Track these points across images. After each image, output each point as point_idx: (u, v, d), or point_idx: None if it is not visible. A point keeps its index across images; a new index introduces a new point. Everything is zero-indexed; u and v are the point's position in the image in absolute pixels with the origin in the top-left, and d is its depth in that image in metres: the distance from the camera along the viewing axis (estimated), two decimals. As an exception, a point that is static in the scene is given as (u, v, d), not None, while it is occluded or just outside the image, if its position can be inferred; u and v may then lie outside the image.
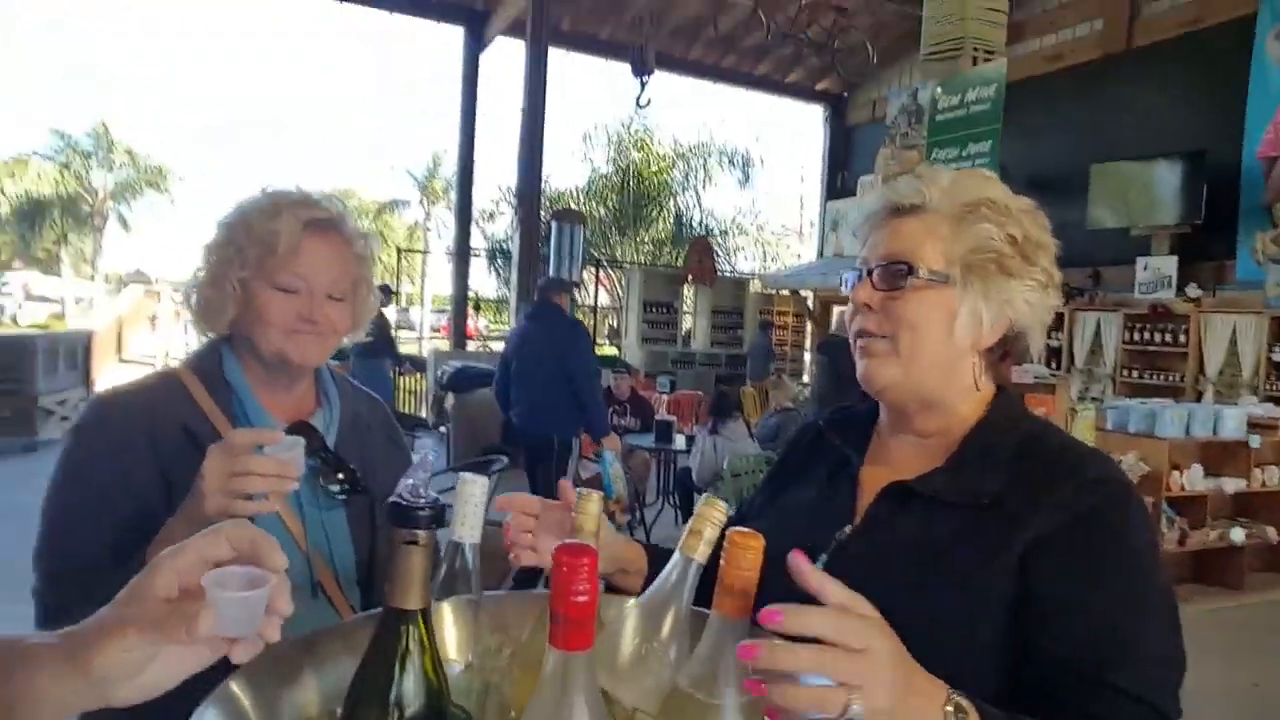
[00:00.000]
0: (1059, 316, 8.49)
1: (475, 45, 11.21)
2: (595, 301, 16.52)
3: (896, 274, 0.90)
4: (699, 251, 13.72)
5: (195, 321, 1.24)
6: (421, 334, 20.09)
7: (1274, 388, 7.38)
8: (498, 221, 20.56)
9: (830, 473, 1.03)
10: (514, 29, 9.79)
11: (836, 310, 11.57)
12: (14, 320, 23.65)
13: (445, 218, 26.91)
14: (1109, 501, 0.84)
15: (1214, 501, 5.16)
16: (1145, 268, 8.37)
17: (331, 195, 1.27)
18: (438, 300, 25.77)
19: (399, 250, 20.39)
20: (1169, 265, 8.22)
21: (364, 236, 1.27)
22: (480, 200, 15.49)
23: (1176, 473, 4.98)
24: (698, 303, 14.21)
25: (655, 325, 13.46)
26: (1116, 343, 8.58)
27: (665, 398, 9.42)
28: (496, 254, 18.45)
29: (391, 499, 0.62)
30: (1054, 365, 8.51)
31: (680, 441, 6.09)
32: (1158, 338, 8.26)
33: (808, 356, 14.04)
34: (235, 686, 0.69)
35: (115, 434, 1.13)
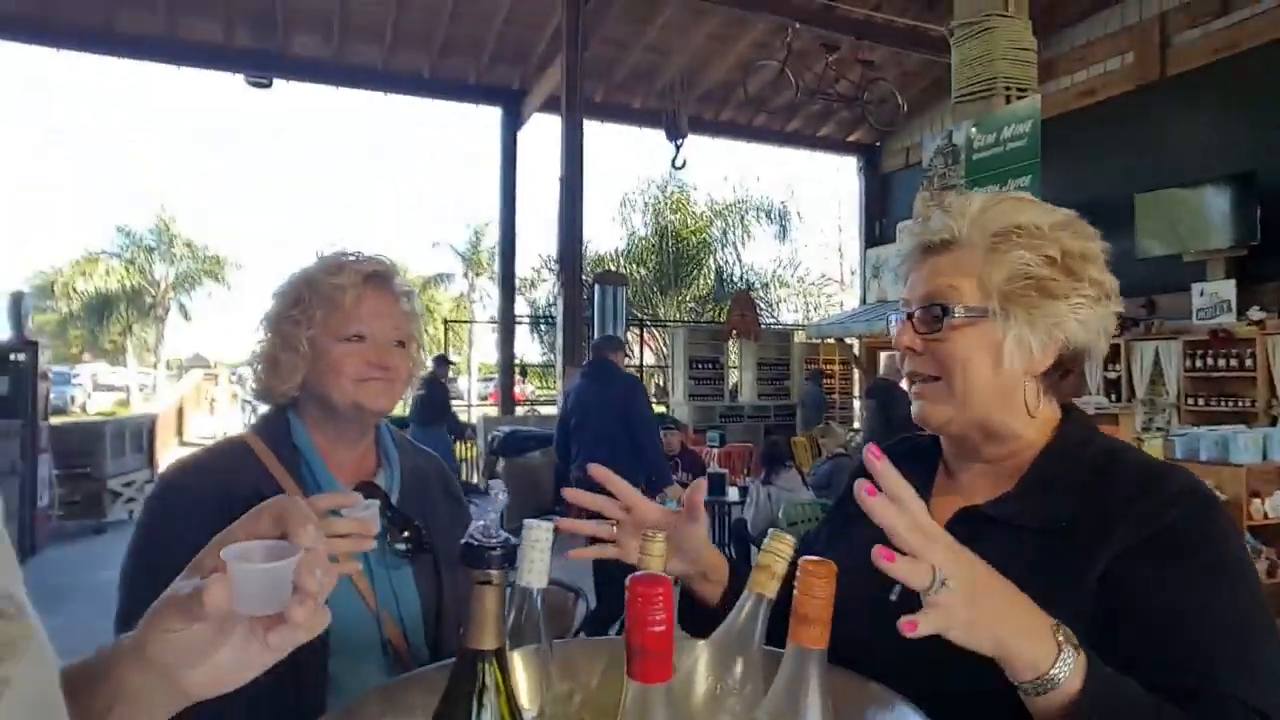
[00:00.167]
0: (1114, 348, 8.28)
1: (513, 123, 11.64)
2: (640, 361, 16.61)
3: (934, 316, 0.90)
4: (741, 306, 13.76)
5: (262, 390, 1.28)
6: (470, 401, 20.36)
7: (1353, 410, 7.06)
8: (539, 289, 20.95)
9: None
10: (549, 105, 10.12)
11: (883, 355, 11.45)
12: (83, 409, 24.59)
13: (488, 288, 27.48)
14: (1192, 514, 0.82)
15: (1301, 529, 4.91)
16: (1202, 293, 8.15)
17: (380, 254, 1.33)
18: (484, 368, 26.15)
19: (445, 322, 20.82)
20: (1226, 289, 8.00)
21: (410, 293, 1.33)
22: (521, 269, 15.81)
23: (1257, 500, 4.75)
24: (743, 356, 14.19)
25: (702, 381, 13.44)
26: (1178, 371, 8.32)
27: (716, 451, 9.35)
28: (540, 321, 18.73)
29: (464, 539, 0.63)
30: (1113, 397, 8.27)
31: (733, 493, 6.04)
32: (1222, 363, 7.99)
33: (857, 403, 13.86)
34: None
35: (189, 500, 1.16)
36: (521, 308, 17.40)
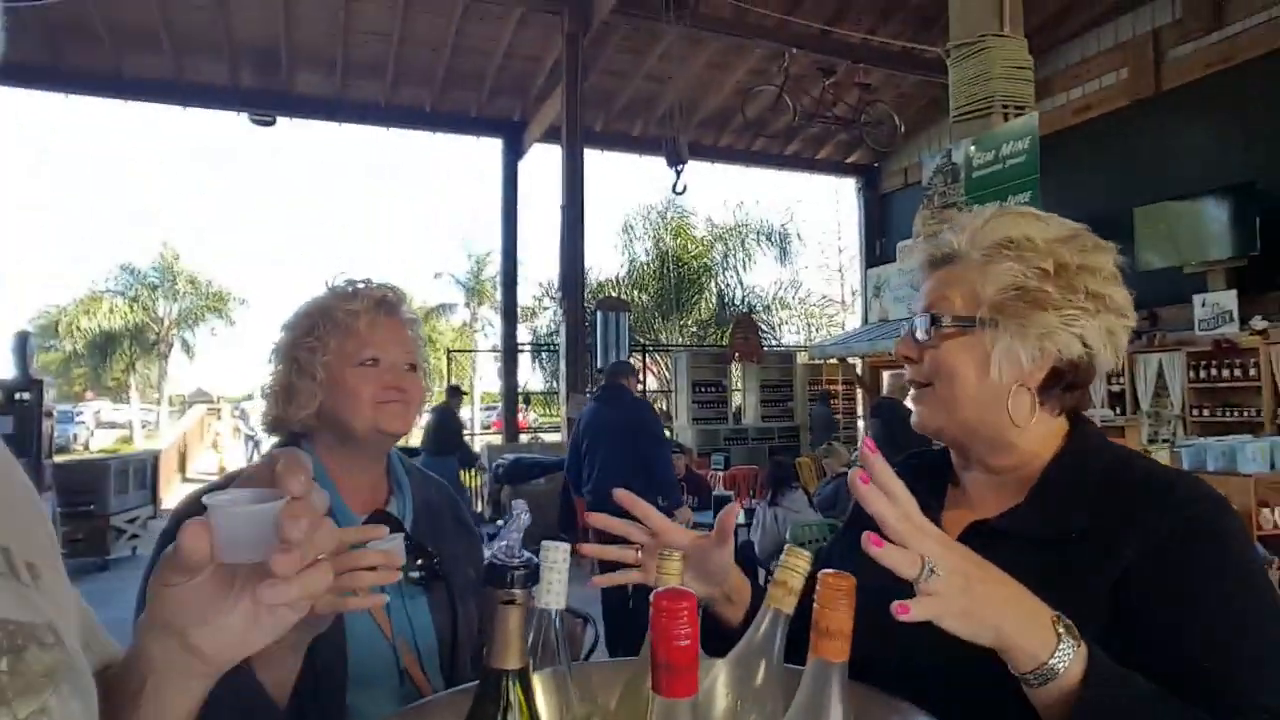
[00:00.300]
0: (1120, 363, 8.25)
1: (514, 154, 11.76)
2: (644, 386, 16.59)
3: (927, 325, 0.93)
4: (743, 329, 13.78)
5: (275, 420, 1.29)
6: (474, 430, 20.34)
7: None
8: (541, 317, 20.98)
9: None
10: (550, 135, 10.22)
11: (887, 374, 11.44)
12: (86, 446, 24.61)
13: (490, 317, 27.54)
14: (1202, 519, 0.82)
15: (1313, 539, 4.87)
16: (1204, 304, 8.16)
17: (386, 282, 1.35)
18: (487, 397, 26.12)
19: (449, 352, 20.85)
20: (1228, 300, 8.01)
21: (416, 320, 1.36)
22: (523, 297, 15.88)
23: (1266, 510, 4.72)
24: (745, 379, 14.18)
25: (705, 405, 13.43)
26: (1182, 382, 8.31)
27: (721, 474, 9.32)
28: (542, 348, 18.77)
29: (487, 560, 0.63)
30: (1118, 410, 8.24)
31: (739, 516, 5.98)
32: (1226, 373, 7.97)
33: (861, 424, 13.82)
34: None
35: None
36: (523, 336, 17.43)
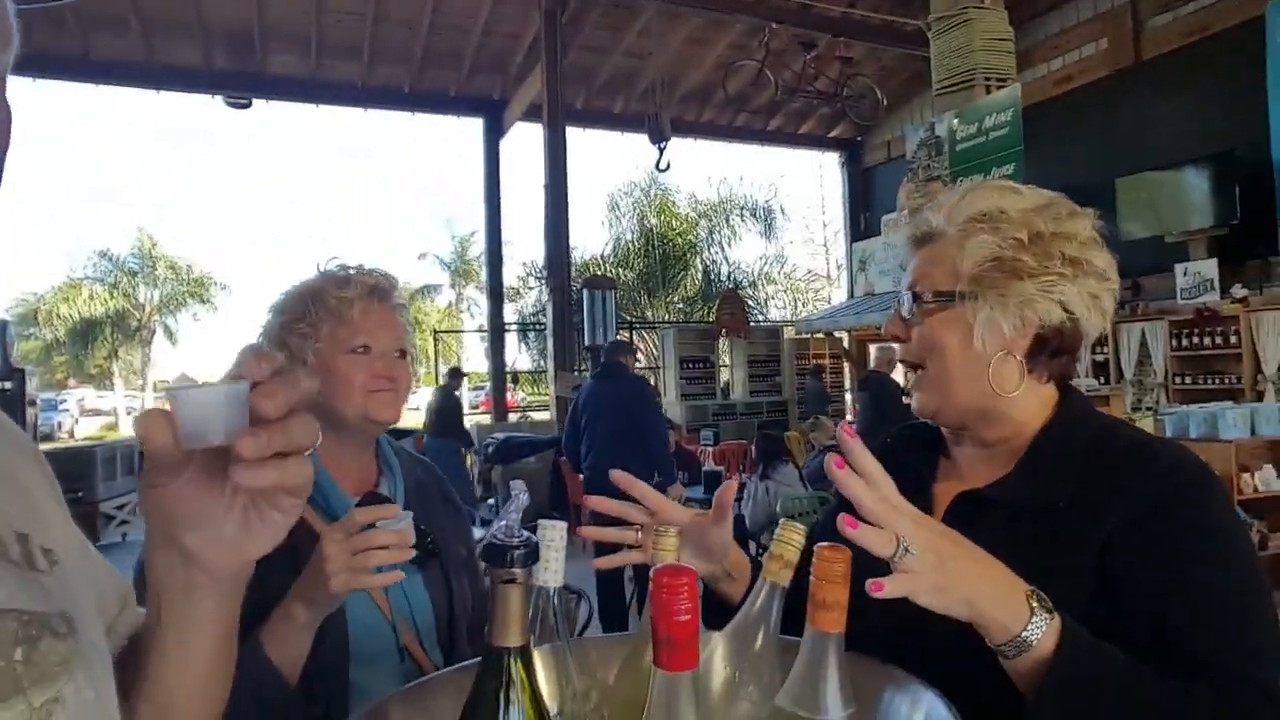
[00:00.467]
0: (1103, 333, 8.34)
1: (495, 133, 11.65)
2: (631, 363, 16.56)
3: (910, 303, 0.95)
4: (730, 305, 13.79)
5: None
6: (463, 410, 20.30)
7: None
8: (526, 297, 20.89)
9: (904, 490, 1.02)
10: (531, 113, 10.13)
11: (874, 347, 11.50)
12: (71, 434, 24.40)
13: (476, 297, 27.44)
14: (1185, 487, 0.84)
15: (1291, 501, 4.96)
16: (1185, 273, 8.23)
17: (378, 268, 1.35)
18: (475, 377, 26.06)
19: (435, 333, 20.76)
20: (1209, 269, 8.08)
21: (405, 305, 1.36)
22: (507, 278, 15.80)
23: (1247, 475, 4.81)
24: (733, 355, 14.21)
25: (693, 381, 13.45)
26: (1165, 351, 8.41)
27: (710, 450, 9.37)
28: (528, 328, 18.73)
29: (486, 540, 0.64)
30: (1102, 379, 8.34)
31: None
32: (1207, 341, 8.07)
33: (849, 396, 13.91)
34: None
35: None
36: (509, 316, 17.37)
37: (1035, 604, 0.72)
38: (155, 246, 30.05)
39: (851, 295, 13.68)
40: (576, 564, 0.99)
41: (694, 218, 20.96)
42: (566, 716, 0.80)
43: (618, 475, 1.00)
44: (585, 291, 9.75)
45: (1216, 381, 8.00)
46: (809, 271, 22.94)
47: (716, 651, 0.78)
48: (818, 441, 6.74)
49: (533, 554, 0.63)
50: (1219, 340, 7.99)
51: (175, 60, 9.73)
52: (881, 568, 0.70)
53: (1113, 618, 0.79)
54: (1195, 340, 8.17)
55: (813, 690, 0.65)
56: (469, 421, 11.55)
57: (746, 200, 20.91)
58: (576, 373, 9.28)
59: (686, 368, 13.40)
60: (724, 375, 14.73)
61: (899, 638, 0.76)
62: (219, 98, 10.21)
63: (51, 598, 0.55)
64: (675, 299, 20.43)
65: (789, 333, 14.91)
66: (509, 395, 13.95)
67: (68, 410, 26.23)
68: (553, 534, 0.80)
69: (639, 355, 18.19)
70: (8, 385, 7.50)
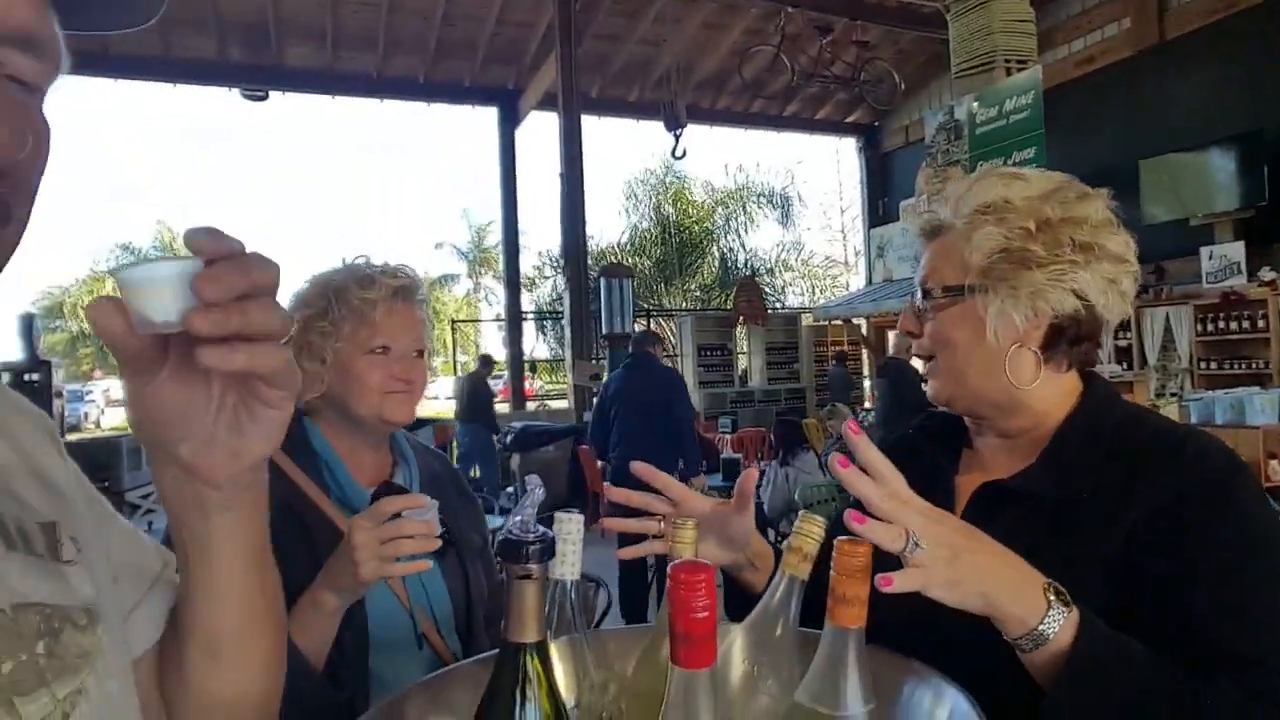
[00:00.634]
0: (1126, 317, 8.24)
1: (510, 122, 11.65)
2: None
3: (922, 299, 0.95)
4: (747, 292, 13.73)
5: None
6: (482, 401, 20.38)
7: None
8: (542, 286, 20.90)
9: (924, 483, 1.01)
10: (546, 102, 10.10)
11: (892, 334, 11.43)
12: (97, 425, 24.76)
13: (493, 286, 27.49)
14: (1213, 477, 0.82)
15: (1322, 490, 4.88)
16: (1211, 256, 8.09)
17: (402, 265, 1.35)
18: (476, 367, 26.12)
19: (452, 322, 20.83)
20: (1236, 251, 7.93)
21: (426, 301, 1.36)
22: (525, 266, 15.83)
23: (1275, 462, 4.74)
24: (751, 342, 14.17)
25: (711, 369, 13.43)
26: (1189, 336, 8.28)
27: (728, 437, 9.36)
28: (545, 317, 18.77)
29: (502, 535, 0.63)
30: (1125, 365, 8.24)
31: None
32: (1234, 326, 7.94)
33: (867, 384, 13.84)
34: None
35: None
36: (526, 305, 17.43)
37: (1052, 597, 0.72)
38: (175, 240, 30.37)
39: (870, 281, 13.59)
40: (595, 551, 0.99)
41: (711, 205, 20.89)
42: (584, 709, 0.80)
43: (638, 467, 0.99)
44: (602, 280, 9.74)
45: (1243, 367, 7.88)
46: (826, 258, 22.82)
47: (735, 644, 0.78)
48: (835, 429, 6.72)
49: (549, 549, 0.62)
50: (1245, 324, 7.86)
51: (192, 54, 9.78)
52: (896, 562, 0.70)
53: (1138, 608, 0.78)
54: (1221, 325, 8.04)
55: (832, 686, 0.65)
56: (487, 410, 11.62)
57: (763, 187, 20.81)
58: (594, 361, 9.28)
59: (704, 355, 13.39)
60: (741, 363, 14.71)
61: (910, 632, 0.76)
62: (235, 90, 10.26)
63: (74, 590, 0.55)
64: (692, 287, 20.39)
65: (807, 320, 14.85)
66: (527, 384, 14.02)
67: (94, 401, 26.60)
68: (569, 527, 0.80)
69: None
70: (35, 377, 7.62)
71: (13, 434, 0.60)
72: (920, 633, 0.76)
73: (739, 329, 14.06)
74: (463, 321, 24.22)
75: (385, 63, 10.53)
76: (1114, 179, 0.98)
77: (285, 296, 1.30)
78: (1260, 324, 7.73)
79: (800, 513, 0.78)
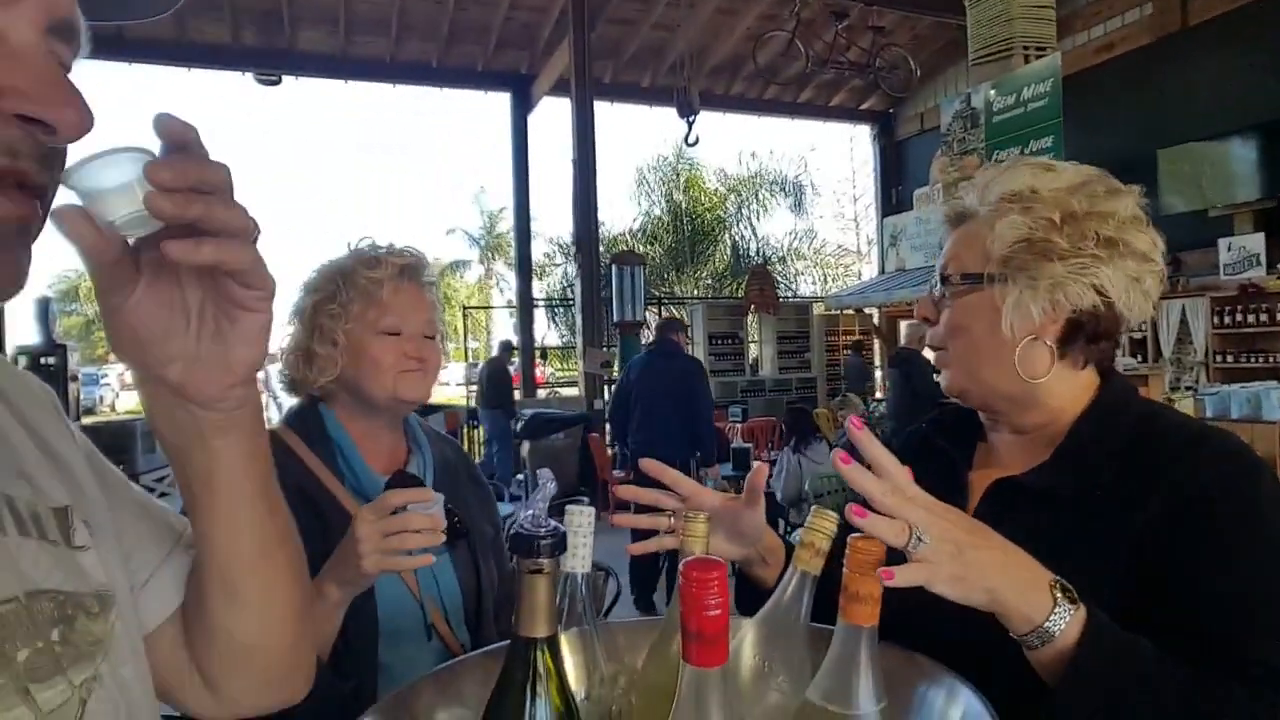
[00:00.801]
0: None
1: (523, 108, 11.60)
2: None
3: (940, 285, 0.94)
4: (758, 280, 13.67)
5: (293, 382, 1.30)
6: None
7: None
8: (551, 274, 20.89)
9: (937, 478, 1.00)
10: (559, 88, 10.06)
11: (904, 324, 11.37)
12: (112, 408, 24.98)
13: (504, 273, 27.50)
14: (1231, 477, 0.81)
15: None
16: (1229, 248, 8.00)
17: (409, 246, 1.34)
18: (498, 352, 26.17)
19: (464, 308, 20.87)
20: (1255, 243, 7.84)
21: (435, 283, 1.35)
22: (536, 253, 15.80)
23: (1292, 458, 4.70)
24: (762, 331, 14.13)
25: (722, 357, 13.40)
26: (1205, 328, 8.21)
27: (739, 426, 9.35)
28: (556, 304, 18.77)
29: (514, 530, 0.63)
30: (1140, 358, 8.17)
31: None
32: (1251, 319, 7.86)
33: (879, 374, 13.79)
34: (371, 722, 0.71)
35: None
36: (537, 292, 17.44)
37: (1059, 594, 0.71)
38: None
39: (882, 271, 13.51)
40: (604, 540, 0.99)
41: (723, 192, 20.80)
42: (594, 701, 0.80)
43: (647, 464, 0.99)
44: (614, 267, 9.73)
45: (1260, 360, 7.80)
46: (839, 247, 22.68)
47: (746, 639, 0.77)
48: (846, 420, 6.71)
49: (560, 544, 0.62)
50: (1264, 317, 7.78)
51: (206, 38, 9.79)
52: (904, 558, 0.69)
53: (1151, 607, 0.77)
54: (1238, 317, 7.97)
55: (844, 685, 0.64)
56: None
57: (776, 174, 20.69)
58: (605, 349, 9.28)
59: (715, 344, 13.36)
60: (752, 351, 14.67)
61: (915, 628, 0.75)
62: (249, 75, 10.26)
63: (87, 577, 0.56)
64: (704, 274, 20.33)
65: (818, 309, 14.79)
66: (538, 371, 14.04)
67: (109, 385, 26.82)
68: (580, 519, 0.80)
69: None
70: (51, 360, 7.69)
71: (23, 414, 0.60)
72: (925, 629, 0.75)
73: (750, 317, 14.02)
74: (474, 308, 24.26)
75: (398, 47, 10.50)
76: (1131, 169, 0.96)
77: (296, 287, 1.30)
78: (1279, 317, 7.64)
79: (813, 507, 0.77)
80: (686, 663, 0.55)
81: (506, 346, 10.44)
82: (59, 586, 0.53)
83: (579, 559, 0.80)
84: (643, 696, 0.80)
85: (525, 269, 12.28)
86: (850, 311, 13.98)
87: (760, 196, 20.65)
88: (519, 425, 8.68)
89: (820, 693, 0.66)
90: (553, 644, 0.63)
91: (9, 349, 7.98)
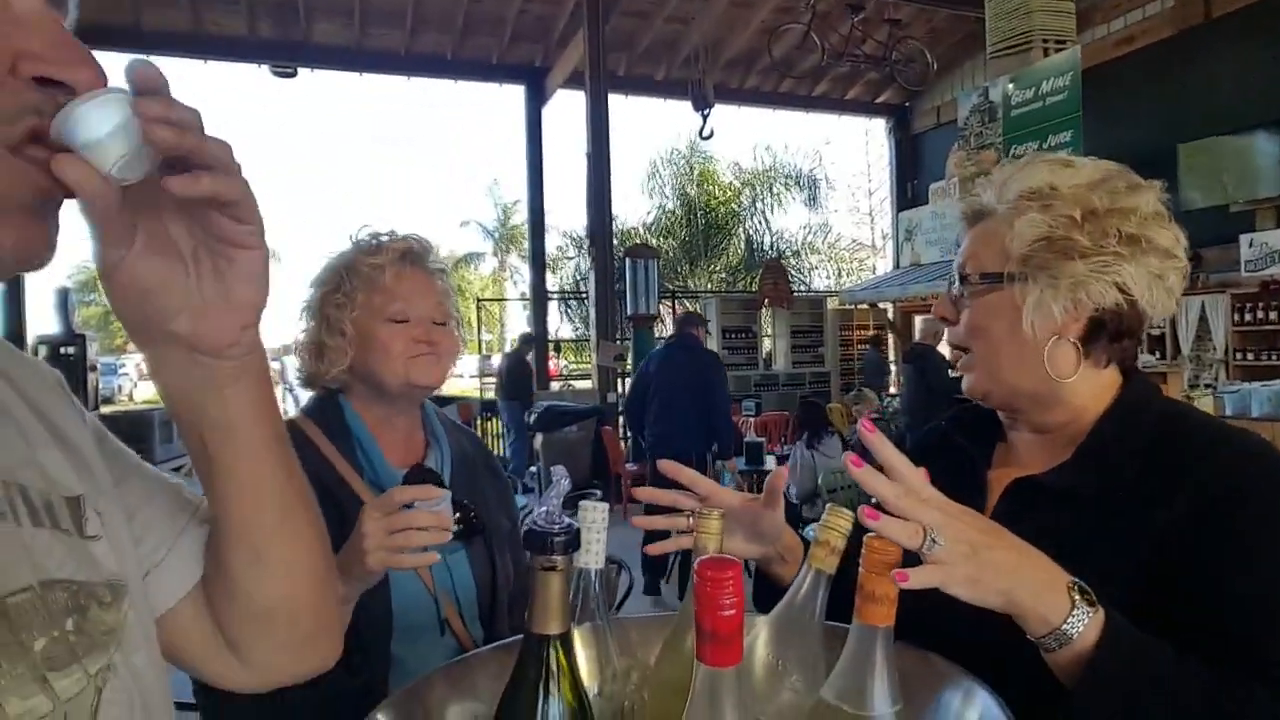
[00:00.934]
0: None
1: (537, 100, 11.58)
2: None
3: (959, 284, 0.93)
4: (772, 274, 13.63)
5: (308, 376, 1.30)
6: (505, 379, 20.47)
7: None
8: (565, 267, 20.89)
9: (956, 477, 0.99)
10: (573, 80, 10.04)
11: (919, 319, 11.30)
12: (130, 397, 25.22)
13: (518, 265, 27.54)
14: (1256, 478, 0.80)
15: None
16: (1251, 244, 7.89)
17: (412, 233, 1.34)
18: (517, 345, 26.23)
19: (478, 301, 20.92)
20: (1277, 239, 7.73)
21: (444, 270, 1.35)
22: (549, 246, 15.81)
23: (1313, 458, 4.64)
24: (775, 325, 14.09)
25: (735, 351, 13.37)
26: (1225, 325, 8.10)
27: (752, 420, 9.34)
28: (569, 297, 18.78)
29: (527, 527, 0.63)
30: (1158, 355, 8.09)
31: (770, 462, 6.06)
32: (1273, 315, 7.75)
33: (893, 368, 13.74)
34: (383, 717, 0.71)
35: None
36: (550, 285, 17.46)
37: (1077, 596, 0.70)
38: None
39: (897, 265, 13.43)
40: (617, 533, 0.98)
41: (737, 186, 20.72)
42: (606, 697, 0.80)
43: (665, 465, 0.99)
44: (627, 260, 9.72)
45: (1281, 357, 7.71)
46: (853, 241, 22.57)
47: (760, 637, 0.77)
48: (861, 414, 6.69)
49: (574, 541, 0.62)
50: (1285, 315, 7.68)
51: (222, 30, 9.83)
52: (919, 560, 0.69)
53: (1172, 609, 0.76)
54: (1259, 314, 7.86)
55: (858, 686, 0.64)
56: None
57: (790, 168, 20.60)
58: (619, 342, 9.28)
59: (728, 338, 13.33)
60: (766, 345, 14.63)
61: (930, 628, 0.74)
62: (265, 67, 10.31)
63: (99, 566, 0.56)
64: (717, 268, 20.28)
65: (832, 303, 14.72)
66: (551, 363, 14.07)
67: (127, 374, 27.06)
68: (594, 515, 0.80)
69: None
70: (70, 350, 7.77)
71: (33, 399, 0.60)
72: (940, 629, 0.75)
73: (764, 311, 13.98)
74: (488, 300, 24.30)
75: (413, 39, 10.50)
76: (1151, 163, 0.95)
77: (304, 283, 1.31)
78: (1301, 314, 7.55)
79: (828, 505, 0.77)
80: (700, 662, 0.54)
81: (527, 339, 10.46)
82: (72, 576, 0.53)
83: (592, 555, 0.80)
84: (655, 692, 0.79)
85: (539, 261, 12.29)
86: (864, 306, 13.92)
87: (774, 190, 20.56)
88: (532, 418, 8.70)
89: (835, 692, 0.65)
90: (566, 641, 0.63)
91: (29, 339, 8.07)
